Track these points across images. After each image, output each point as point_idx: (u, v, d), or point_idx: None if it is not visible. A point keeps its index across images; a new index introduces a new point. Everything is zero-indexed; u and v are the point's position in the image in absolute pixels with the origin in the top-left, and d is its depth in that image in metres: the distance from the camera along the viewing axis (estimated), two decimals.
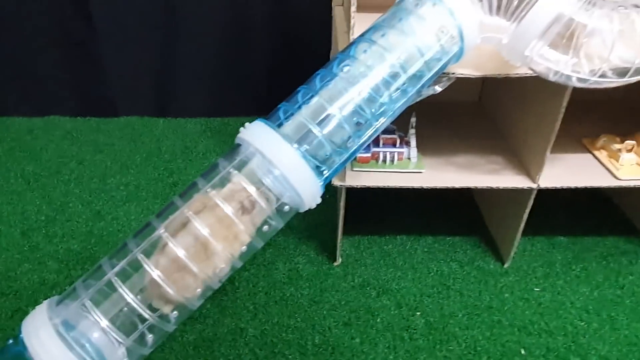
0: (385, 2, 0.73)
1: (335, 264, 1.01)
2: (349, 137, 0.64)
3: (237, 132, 0.63)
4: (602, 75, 0.67)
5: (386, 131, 0.93)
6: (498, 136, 1.04)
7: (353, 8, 0.76)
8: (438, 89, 0.72)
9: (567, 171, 0.91)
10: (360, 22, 0.75)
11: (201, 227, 0.57)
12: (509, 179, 0.89)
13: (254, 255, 0.91)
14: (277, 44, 1.44)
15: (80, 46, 1.42)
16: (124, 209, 1.15)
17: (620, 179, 0.88)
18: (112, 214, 1.13)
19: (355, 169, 0.91)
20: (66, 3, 1.35)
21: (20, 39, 1.41)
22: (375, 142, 0.92)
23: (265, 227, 0.62)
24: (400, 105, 0.67)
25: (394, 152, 0.92)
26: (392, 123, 0.71)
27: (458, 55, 0.68)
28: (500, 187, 0.88)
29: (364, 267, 1.01)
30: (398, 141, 0.93)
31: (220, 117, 1.55)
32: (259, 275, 0.98)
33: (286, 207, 0.62)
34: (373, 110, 0.65)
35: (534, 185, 0.88)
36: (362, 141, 0.66)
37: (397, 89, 0.65)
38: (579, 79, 0.68)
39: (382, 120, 0.66)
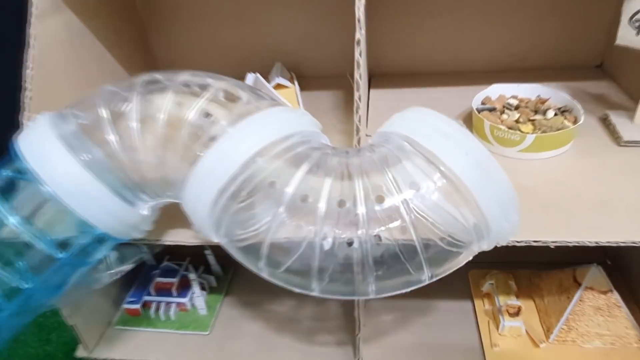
0: None
1: None
2: None
3: None
4: None
5: (165, 272, 0.66)
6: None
7: None
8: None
9: None
10: None
11: None
12: (331, 353, 0.60)
13: None
14: None
15: None
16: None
17: None
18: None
19: (117, 327, 0.65)
20: None
21: None
22: (146, 289, 0.66)
23: None
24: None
25: (172, 302, 0.65)
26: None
27: (115, 238, 0.41)
28: None
29: None
30: (176, 286, 0.65)
31: None
32: None
33: None
34: None
35: None
36: None
37: None
38: None
39: None
